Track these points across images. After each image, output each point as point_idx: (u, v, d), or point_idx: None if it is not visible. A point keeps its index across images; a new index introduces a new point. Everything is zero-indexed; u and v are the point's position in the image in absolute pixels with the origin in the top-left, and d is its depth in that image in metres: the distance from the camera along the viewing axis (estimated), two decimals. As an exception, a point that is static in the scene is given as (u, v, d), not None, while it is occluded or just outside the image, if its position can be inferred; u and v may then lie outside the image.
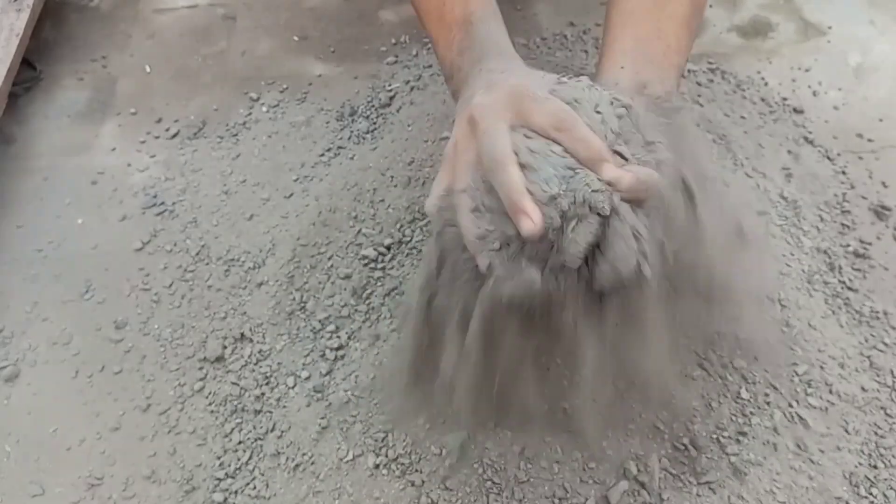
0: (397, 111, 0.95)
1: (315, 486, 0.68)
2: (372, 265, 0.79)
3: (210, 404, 0.74)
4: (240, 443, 0.72)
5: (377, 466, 0.68)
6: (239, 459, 0.71)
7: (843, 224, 0.85)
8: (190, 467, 0.71)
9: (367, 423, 0.70)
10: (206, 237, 0.87)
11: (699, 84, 0.98)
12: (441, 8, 0.68)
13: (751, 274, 0.66)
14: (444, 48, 0.67)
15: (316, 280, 0.80)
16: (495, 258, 0.52)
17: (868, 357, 0.75)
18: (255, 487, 0.69)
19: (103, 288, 0.83)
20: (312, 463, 0.70)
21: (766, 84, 1.00)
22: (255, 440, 0.72)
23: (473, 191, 0.53)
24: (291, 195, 0.90)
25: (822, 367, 0.74)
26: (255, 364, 0.76)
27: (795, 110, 0.97)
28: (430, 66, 1.00)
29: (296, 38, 1.08)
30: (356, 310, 0.77)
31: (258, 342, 0.78)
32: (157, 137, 0.97)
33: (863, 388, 0.73)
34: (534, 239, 0.50)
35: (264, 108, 0.99)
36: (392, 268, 0.79)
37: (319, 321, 0.77)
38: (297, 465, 0.70)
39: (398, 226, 0.81)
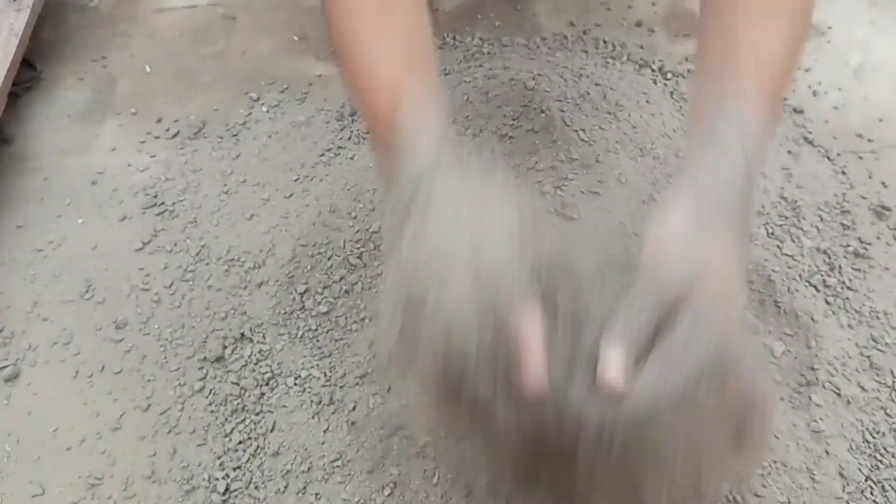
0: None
1: (315, 487, 0.68)
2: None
3: (210, 404, 0.74)
4: (240, 443, 0.72)
5: (371, 471, 0.68)
6: (239, 459, 0.71)
7: (843, 224, 0.85)
8: (190, 467, 0.71)
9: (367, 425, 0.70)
10: (207, 237, 0.87)
11: (699, 84, 0.98)
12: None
13: None
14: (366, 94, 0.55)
15: (316, 280, 0.80)
16: None
17: (868, 357, 0.75)
18: (255, 487, 0.69)
19: (103, 288, 0.83)
20: (312, 463, 0.70)
21: (765, 84, 1.00)
22: (256, 440, 0.72)
23: None
24: (291, 195, 0.90)
25: (821, 367, 0.74)
26: (256, 364, 0.76)
27: (795, 110, 0.96)
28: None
29: (296, 38, 1.08)
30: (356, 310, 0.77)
31: (258, 342, 0.78)
32: (157, 137, 0.97)
33: (863, 388, 0.73)
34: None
35: (264, 108, 0.99)
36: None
37: (320, 321, 0.78)
38: (296, 466, 0.70)
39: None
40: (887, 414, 0.72)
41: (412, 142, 0.50)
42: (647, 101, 0.95)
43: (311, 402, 0.73)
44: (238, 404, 0.74)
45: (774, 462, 0.68)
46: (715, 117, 0.49)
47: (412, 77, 0.54)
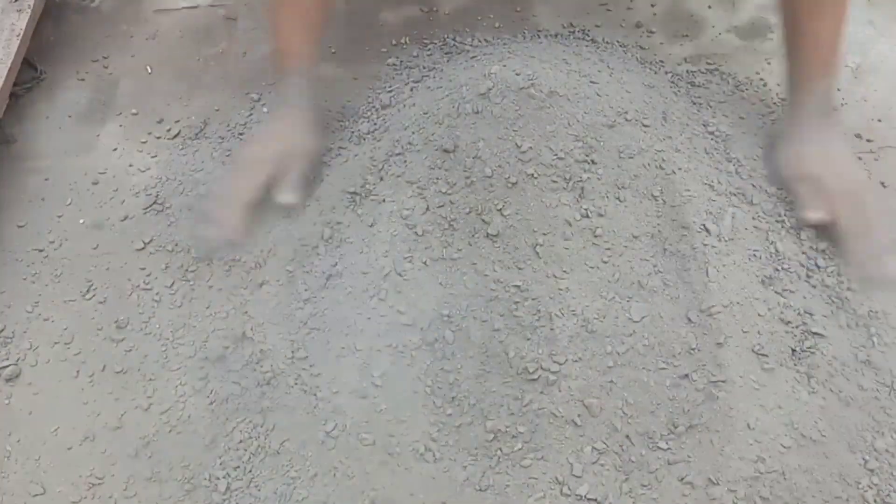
0: (398, 112, 0.95)
1: (314, 487, 0.69)
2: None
3: (211, 404, 0.74)
4: (240, 442, 0.72)
5: (372, 473, 0.68)
6: (239, 459, 0.71)
7: (842, 224, 0.85)
8: (190, 467, 0.71)
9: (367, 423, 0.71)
10: (207, 237, 0.87)
11: (698, 85, 0.98)
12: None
13: None
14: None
15: (316, 280, 0.80)
16: None
17: (867, 357, 0.75)
18: (255, 487, 0.69)
19: (104, 288, 0.83)
20: (312, 463, 0.70)
21: (764, 85, 1.00)
22: (256, 440, 0.72)
23: None
24: (292, 195, 0.90)
25: (821, 367, 0.74)
26: (256, 364, 0.76)
27: (795, 111, 0.96)
28: (431, 68, 1.00)
29: (296, 39, 1.08)
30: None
31: (259, 342, 0.78)
32: (158, 138, 0.97)
33: (862, 388, 0.73)
34: None
35: (265, 109, 0.99)
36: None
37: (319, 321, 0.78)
38: (297, 465, 0.70)
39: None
40: (886, 414, 0.72)
41: (287, 84, 0.91)
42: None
43: (312, 402, 0.73)
44: (239, 404, 0.74)
45: (774, 463, 0.68)
46: (794, 87, 0.90)
47: (303, 50, 0.92)
